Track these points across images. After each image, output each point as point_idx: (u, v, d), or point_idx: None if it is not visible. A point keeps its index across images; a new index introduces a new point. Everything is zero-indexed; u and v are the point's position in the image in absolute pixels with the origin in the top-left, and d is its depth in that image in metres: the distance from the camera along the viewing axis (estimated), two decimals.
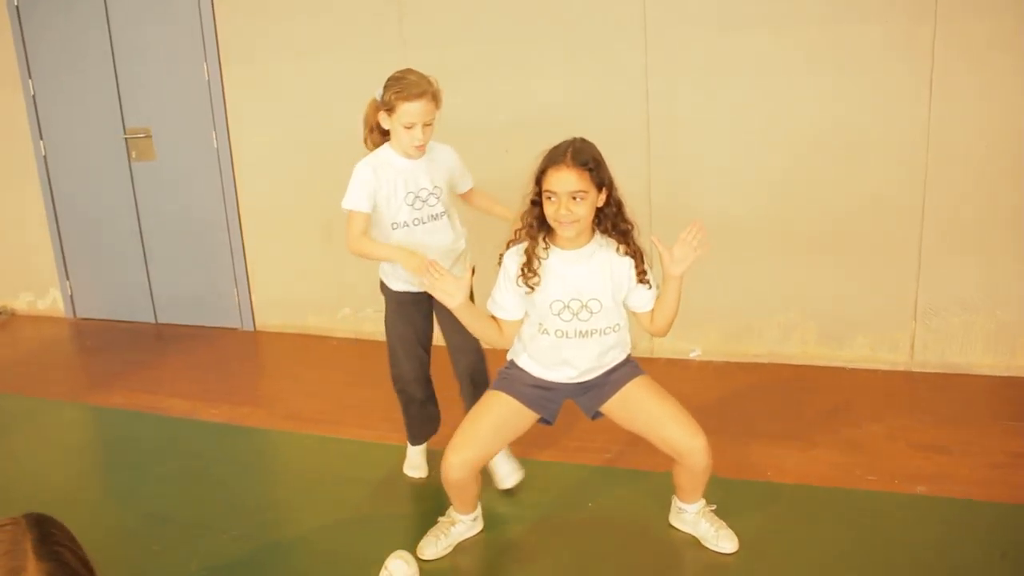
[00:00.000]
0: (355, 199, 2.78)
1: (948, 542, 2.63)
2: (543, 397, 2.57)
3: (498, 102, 4.28)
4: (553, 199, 2.32)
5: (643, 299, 2.52)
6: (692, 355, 4.29)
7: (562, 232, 2.37)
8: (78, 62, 5.22)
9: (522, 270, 2.42)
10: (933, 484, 2.96)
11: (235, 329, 5.30)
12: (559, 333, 2.45)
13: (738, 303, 4.16)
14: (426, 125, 2.70)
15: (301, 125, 4.79)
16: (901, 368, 4.00)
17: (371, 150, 2.87)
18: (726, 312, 4.20)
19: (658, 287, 2.52)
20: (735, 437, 3.37)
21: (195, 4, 4.81)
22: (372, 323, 4.91)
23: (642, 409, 2.56)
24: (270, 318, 5.23)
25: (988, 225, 3.74)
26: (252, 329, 5.27)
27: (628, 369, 2.60)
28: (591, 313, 2.43)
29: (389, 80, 2.71)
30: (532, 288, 2.42)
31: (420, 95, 2.66)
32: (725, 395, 3.85)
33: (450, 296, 2.43)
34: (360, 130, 2.93)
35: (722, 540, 2.65)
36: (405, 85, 2.67)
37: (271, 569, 2.72)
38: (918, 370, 3.97)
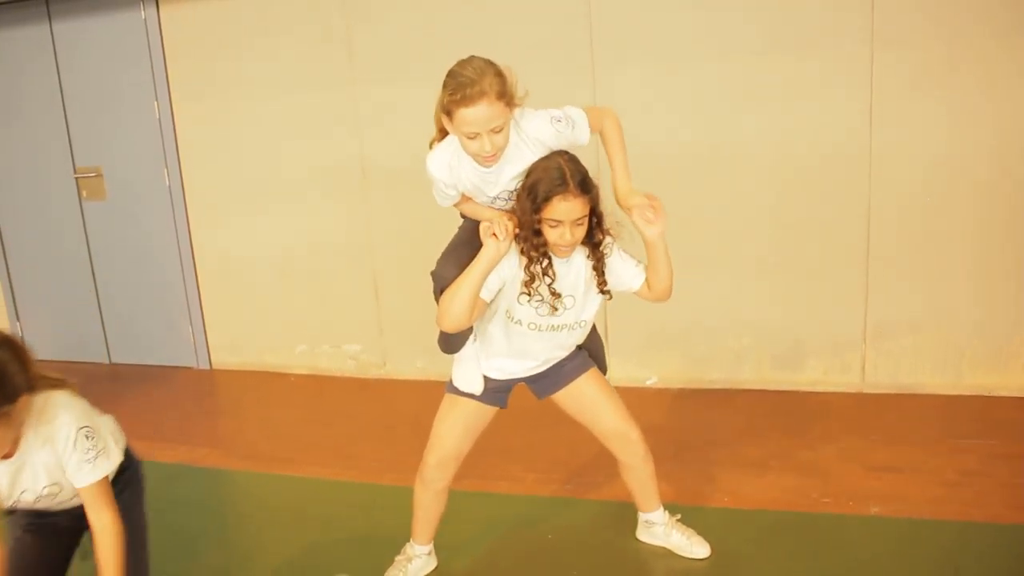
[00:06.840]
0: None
1: (903, 561, 2.68)
2: (498, 391, 2.63)
3: None
4: (558, 227, 2.32)
5: (626, 279, 2.52)
6: (648, 383, 4.33)
7: (560, 254, 2.40)
8: (26, 101, 5.17)
9: (524, 285, 2.41)
10: (886, 504, 3.01)
11: (190, 368, 5.24)
12: (532, 326, 2.47)
13: (692, 331, 4.21)
14: (494, 132, 2.18)
15: (254, 162, 4.78)
16: (853, 390, 4.06)
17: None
18: (681, 339, 4.25)
19: (640, 261, 2.52)
20: (692, 464, 3.41)
21: (145, 43, 4.79)
22: (328, 359, 4.89)
23: (590, 402, 2.69)
24: (226, 356, 5.18)
25: (931, 247, 3.84)
26: (208, 368, 5.21)
27: (579, 361, 2.67)
28: (565, 309, 2.46)
29: (446, 75, 2.21)
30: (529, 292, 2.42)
31: (477, 97, 2.12)
32: (681, 422, 3.88)
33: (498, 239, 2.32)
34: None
35: (695, 547, 2.79)
36: (458, 85, 2.14)
37: None
38: (870, 391, 4.04)
